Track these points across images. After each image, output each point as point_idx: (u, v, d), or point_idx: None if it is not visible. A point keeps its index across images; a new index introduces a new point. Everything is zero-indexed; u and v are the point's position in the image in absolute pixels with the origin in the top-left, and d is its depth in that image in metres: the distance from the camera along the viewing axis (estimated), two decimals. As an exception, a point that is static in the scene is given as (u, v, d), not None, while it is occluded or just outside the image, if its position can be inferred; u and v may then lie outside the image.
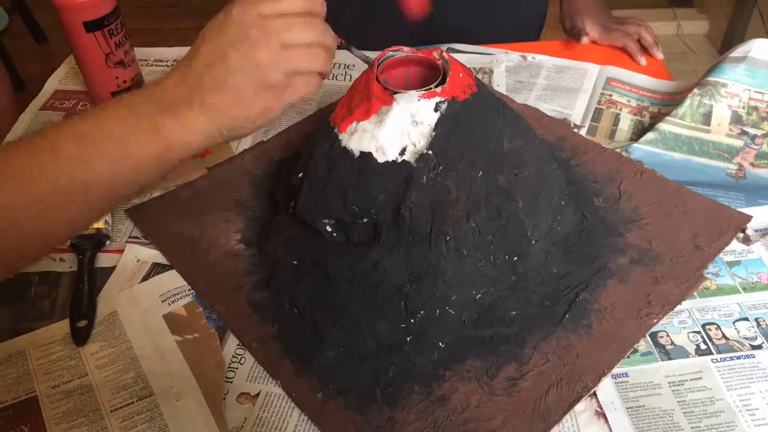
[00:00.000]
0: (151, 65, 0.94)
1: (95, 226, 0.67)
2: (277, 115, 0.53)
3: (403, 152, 0.56)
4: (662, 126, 0.76)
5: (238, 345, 0.59)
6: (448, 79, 0.57)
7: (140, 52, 0.93)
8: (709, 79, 0.77)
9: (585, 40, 0.93)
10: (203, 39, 0.51)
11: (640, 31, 0.93)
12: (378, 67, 0.60)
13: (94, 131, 0.48)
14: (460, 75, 0.59)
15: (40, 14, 2.38)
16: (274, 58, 0.50)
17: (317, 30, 0.52)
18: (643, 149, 0.75)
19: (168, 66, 0.94)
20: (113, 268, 0.65)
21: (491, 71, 0.91)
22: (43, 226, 0.47)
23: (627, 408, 0.53)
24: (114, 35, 0.79)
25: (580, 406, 0.53)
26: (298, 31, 0.51)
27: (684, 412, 0.52)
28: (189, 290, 0.63)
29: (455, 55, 0.78)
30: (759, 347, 0.56)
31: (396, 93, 0.56)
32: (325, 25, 0.53)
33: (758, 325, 0.58)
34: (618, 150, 0.75)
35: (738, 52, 0.78)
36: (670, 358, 0.56)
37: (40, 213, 0.46)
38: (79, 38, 0.79)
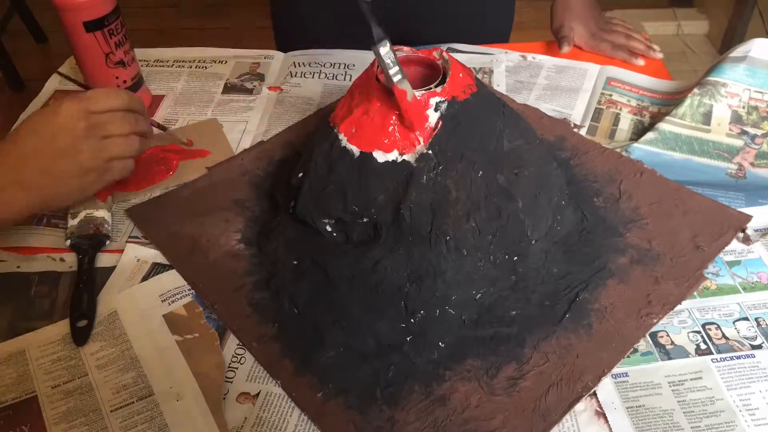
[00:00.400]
0: (152, 65, 0.94)
1: (95, 226, 0.67)
2: (95, 191, 0.62)
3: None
4: (662, 126, 0.76)
5: (238, 345, 0.59)
6: (448, 79, 0.58)
7: (140, 52, 0.93)
8: (709, 78, 0.77)
9: (565, 49, 0.91)
10: (29, 126, 0.58)
11: (630, 43, 0.91)
12: (378, 67, 0.60)
13: None
14: (460, 75, 0.59)
15: (40, 14, 2.38)
16: (96, 147, 0.59)
17: (133, 122, 0.62)
18: (643, 149, 0.75)
19: (169, 66, 0.94)
20: (113, 268, 0.65)
21: (491, 71, 0.91)
22: None
23: (627, 408, 0.53)
24: (114, 35, 0.79)
25: (580, 406, 0.53)
26: (118, 124, 0.61)
27: (684, 412, 0.52)
28: (189, 290, 0.63)
29: (455, 55, 0.78)
30: (759, 347, 0.56)
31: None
32: (140, 117, 0.63)
33: (758, 324, 0.58)
34: (618, 150, 0.75)
35: (738, 51, 0.78)
36: (670, 358, 0.56)
37: None
38: (79, 38, 0.79)
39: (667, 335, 0.57)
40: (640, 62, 0.89)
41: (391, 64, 0.55)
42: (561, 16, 0.94)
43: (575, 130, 0.79)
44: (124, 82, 0.83)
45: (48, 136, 0.58)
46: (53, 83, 0.93)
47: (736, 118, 0.75)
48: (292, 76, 0.91)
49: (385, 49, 0.56)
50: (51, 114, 0.58)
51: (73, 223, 0.68)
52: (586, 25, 0.93)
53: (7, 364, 0.58)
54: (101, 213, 0.69)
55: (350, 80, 0.90)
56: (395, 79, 0.55)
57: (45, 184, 0.58)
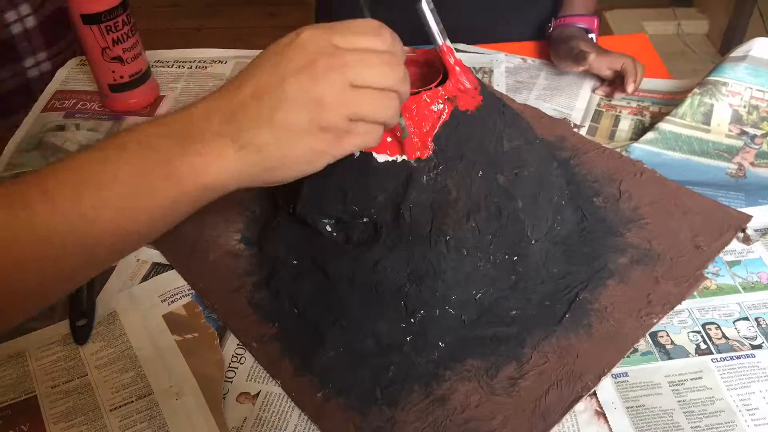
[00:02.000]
0: (152, 65, 0.94)
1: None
2: (326, 163, 0.45)
3: (403, 152, 0.56)
4: (662, 125, 0.76)
5: (238, 345, 0.59)
6: (447, 79, 0.57)
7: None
8: (710, 78, 0.77)
9: (592, 56, 0.83)
10: (256, 64, 0.43)
11: (628, 61, 0.84)
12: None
13: (96, 175, 0.39)
14: (464, 85, 0.59)
15: (40, 14, 2.38)
16: (339, 97, 0.41)
17: (396, 75, 0.44)
18: (643, 149, 0.75)
19: (169, 66, 0.94)
20: (113, 268, 0.65)
21: (491, 71, 0.91)
22: (30, 286, 0.40)
23: (627, 408, 0.53)
24: (112, 32, 0.80)
25: (580, 406, 0.53)
26: (375, 72, 0.43)
27: (684, 412, 0.52)
28: (189, 290, 0.63)
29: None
30: (759, 347, 0.56)
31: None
32: (406, 71, 0.45)
33: (758, 324, 0.58)
34: (618, 150, 0.75)
35: (738, 51, 0.78)
36: (670, 358, 0.56)
37: (27, 273, 0.39)
38: (79, 28, 0.80)
39: (667, 335, 0.57)
40: (630, 89, 0.82)
41: (438, 22, 0.54)
42: (566, 41, 0.89)
43: (575, 130, 0.79)
44: (121, 77, 0.84)
45: (276, 77, 0.41)
46: (54, 84, 0.93)
47: (737, 118, 0.75)
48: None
49: (431, 5, 0.53)
50: (284, 46, 0.42)
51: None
52: (589, 43, 0.88)
53: (7, 364, 0.58)
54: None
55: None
56: (440, 42, 0.55)
57: (265, 140, 0.41)
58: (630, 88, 0.82)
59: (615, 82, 0.85)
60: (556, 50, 0.89)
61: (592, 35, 0.90)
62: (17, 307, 0.41)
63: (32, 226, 0.38)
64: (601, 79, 0.87)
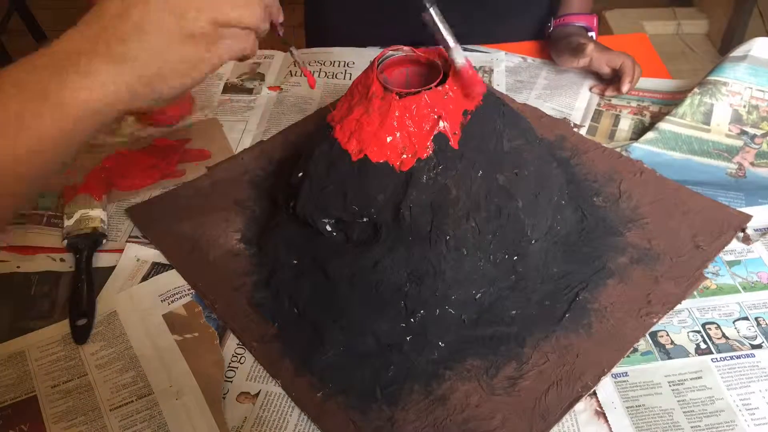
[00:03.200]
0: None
1: (91, 225, 0.67)
2: (207, 73, 0.45)
3: (402, 151, 0.56)
4: (662, 125, 0.76)
5: (238, 344, 0.59)
6: (448, 79, 0.57)
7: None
8: (710, 78, 0.77)
9: (590, 47, 0.83)
10: None
11: (627, 61, 0.84)
12: (378, 66, 0.60)
13: None
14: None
15: (40, 13, 2.37)
16: (197, 4, 0.43)
17: None
18: (643, 148, 0.75)
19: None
20: (113, 268, 0.65)
21: (491, 70, 0.91)
22: None
23: (627, 407, 0.53)
24: None
25: (579, 406, 0.53)
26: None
27: (684, 412, 0.52)
28: (189, 290, 0.63)
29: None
30: (759, 347, 0.56)
31: (399, 93, 0.56)
32: None
33: (758, 324, 0.58)
34: (618, 149, 0.75)
35: (738, 51, 0.78)
36: (670, 358, 0.56)
37: None
38: None
39: (667, 335, 0.57)
40: (626, 88, 0.82)
41: (448, 28, 0.55)
42: (565, 38, 0.89)
43: (575, 129, 0.79)
44: None
45: None
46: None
47: (736, 118, 0.75)
48: (292, 76, 0.91)
49: (438, 13, 0.54)
50: None
51: (69, 222, 0.68)
52: (589, 40, 0.87)
53: (7, 364, 0.58)
54: (96, 212, 0.69)
55: (350, 79, 0.90)
56: (452, 45, 0.55)
57: (137, 52, 0.41)
58: (625, 87, 0.82)
59: (612, 81, 0.85)
60: (556, 48, 0.89)
61: (592, 33, 0.90)
62: None
63: None
64: (601, 79, 0.87)
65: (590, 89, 0.87)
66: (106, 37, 0.41)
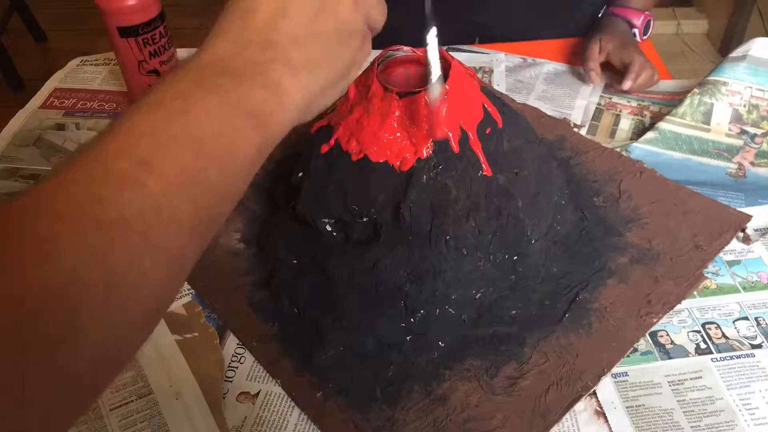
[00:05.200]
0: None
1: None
2: (357, 73, 0.42)
3: (403, 151, 0.56)
4: (662, 125, 0.76)
5: (237, 344, 0.59)
6: (448, 79, 0.57)
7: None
8: (710, 78, 0.77)
9: (595, 77, 0.84)
10: None
11: (639, 59, 0.84)
12: (378, 66, 0.60)
13: (185, 129, 0.32)
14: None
15: (40, 13, 2.38)
16: (349, 4, 0.39)
17: None
18: (643, 148, 0.75)
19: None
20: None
21: (491, 71, 0.91)
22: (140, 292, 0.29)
23: (627, 407, 0.53)
24: (149, 44, 0.78)
25: (579, 406, 0.53)
26: None
27: (684, 412, 0.52)
28: (189, 289, 0.63)
29: (455, 55, 0.78)
30: (759, 346, 0.56)
31: (399, 93, 0.56)
32: None
33: (758, 324, 0.58)
34: (618, 149, 0.75)
35: (738, 51, 0.78)
36: (669, 358, 0.56)
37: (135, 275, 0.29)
38: (114, 41, 0.78)
39: (667, 335, 0.57)
40: (627, 85, 0.82)
41: (437, 60, 0.52)
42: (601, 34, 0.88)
43: (575, 129, 0.79)
44: None
45: None
46: (53, 82, 0.93)
47: (736, 117, 0.75)
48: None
49: (435, 39, 0.51)
50: None
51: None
52: (614, 37, 0.87)
53: (7, 363, 0.58)
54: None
55: (350, 79, 0.90)
56: (434, 78, 0.52)
57: (308, 58, 0.37)
58: (626, 84, 0.82)
59: (620, 75, 0.85)
60: (588, 41, 0.88)
61: (635, 30, 0.90)
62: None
63: (150, 203, 0.29)
64: (613, 71, 0.86)
65: (588, 71, 0.85)
66: (276, 45, 0.36)
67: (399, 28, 0.49)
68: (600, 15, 0.94)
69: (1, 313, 0.24)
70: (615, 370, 0.55)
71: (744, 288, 0.61)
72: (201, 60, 0.35)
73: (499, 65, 0.91)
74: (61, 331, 0.25)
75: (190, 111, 0.32)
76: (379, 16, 0.42)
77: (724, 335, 0.57)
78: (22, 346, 0.24)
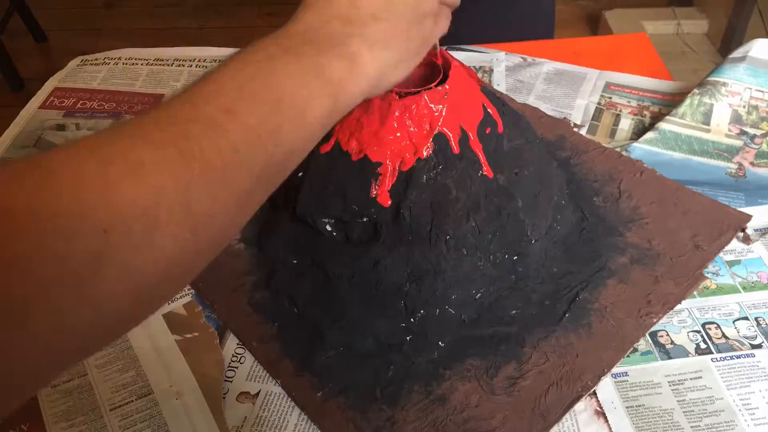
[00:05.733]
0: (152, 65, 0.94)
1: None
2: (426, 52, 0.46)
3: (402, 151, 0.56)
4: (662, 125, 0.76)
5: (237, 344, 0.59)
6: (448, 79, 0.57)
7: (141, 51, 0.93)
8: (710, 78, 0.77)
9: None
10: None
11: None
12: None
13: (268, 86, 0.36)
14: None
15: (40, 13, 2.38)
16: None
17: None
18: (643, 148, 0.75)
19: (169, 66, 0.94)
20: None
21: (491, 70, 0.91)
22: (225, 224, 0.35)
23: (627, 407, 0.53)
24: None
25: (579, 406, 0.53)
26: None
27: (684, 412, 0.52)
28: (189, 289, 0.63)
29: (455, 54, 0.78)
30: (759, 346, 0.56)
31: (399, 93, 0.56)
32: None
33: (758, 324, 0.58)
34: (618, 149, 0.75)
35: (738, 52, 0.78)
36: (669, 358, 0.56)
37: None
38: None
39: (667, 335, 0.57)
40: None
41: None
42: None
43: (575, 129, 0.79)
44: None
45: None
46: (53, 82, 0.93)
47: (736, 118, 0.75)
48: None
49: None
50: None
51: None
52: None
53: (7, 363, 0.58)
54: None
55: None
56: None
57: (383, 33, 0.40)
58: None
59: None
60: None
61: None
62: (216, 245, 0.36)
63: (234, 148, 0.33)
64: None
65: None
66: (359, 19, 0.40)
67: None
68: None
69: (93, 216, 0.27)
70: (615, 370, 0.55)
71: (744, 288, 0.61)
72: (289, 30, 0.39)
73: (499, 65, 0.91)
74: (141, 242, 0.29)
75: (273, 72, 0.36)
76: None
77: (724, 335, 0.57)
78: (106, 248, 0.27)
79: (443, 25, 0.46)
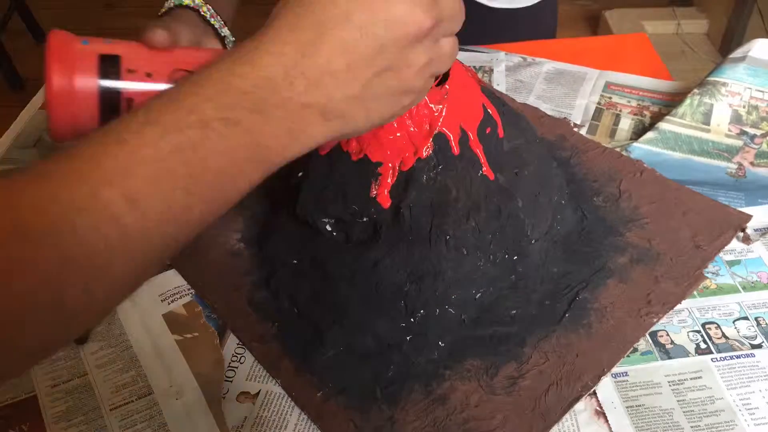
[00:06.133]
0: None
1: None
2: (389, 121, 0.42)
3: (403, 151, 0.56)
4: (662, 125, 0.76)
5: (238, 344, 0.59)
6: (448, 79, 0.57)
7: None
8: (709, 78, 0.77)
9: None
10: (336, 9, 0.34)
11: None
12: None
13: (185, 168, 0.32)
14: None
15: (40, 13, 2.38)
16: (429, 55, 0.37)
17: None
18: (643, 148, 0.75)
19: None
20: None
21: (491, 70, 0.91)
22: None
23: (627, 407, 0.53)
24: None
25: (579, 406, 0.53)
26: (456, 24, 0.39)
27: (684, 412, 0.52)
28: (189, 289, 0.63)
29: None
30: (759, 346, 0.56)
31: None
32: None
33: (758, 324, 0.58)
34: (618, 149, 0.75)
35: (738, 52, 0.78)
36: (669, 358, 0.56)
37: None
38: None
39: (667, 334, 0.57)
40: None
41: None
42: None
43: (575, 129, 0.79)
44: None
45: (371, 38, 0.34)
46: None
47: (736, 118, 0.75)
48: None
49: None
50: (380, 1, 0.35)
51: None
52: None
53: (7, 363, 0.58)
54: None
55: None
56: None
57: (354, 111, 0.36)
58: None
59: None
60: None
61: None
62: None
63: (124, 242, 0.31)
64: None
65: None
66: (326, 89, 0.35)
67: None
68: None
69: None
70: (615, 370, 0.55)
71: (744, 288, 0.61)
72: (247, 79, 0.34)
73: (499, 65, 0.91)
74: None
75: (201, 146, 0.32)
76: (445, 65, 0.40)
77: (724, 335, 0.57)
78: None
79: (423, 94, 0.42)
